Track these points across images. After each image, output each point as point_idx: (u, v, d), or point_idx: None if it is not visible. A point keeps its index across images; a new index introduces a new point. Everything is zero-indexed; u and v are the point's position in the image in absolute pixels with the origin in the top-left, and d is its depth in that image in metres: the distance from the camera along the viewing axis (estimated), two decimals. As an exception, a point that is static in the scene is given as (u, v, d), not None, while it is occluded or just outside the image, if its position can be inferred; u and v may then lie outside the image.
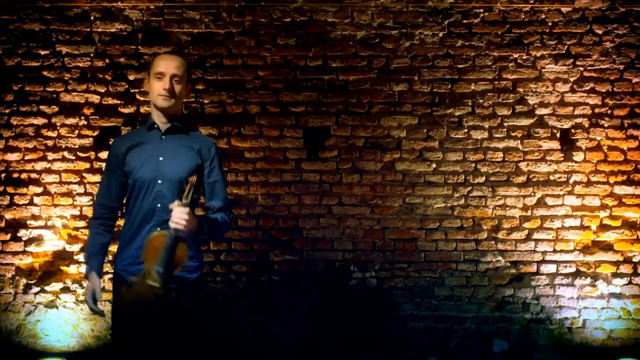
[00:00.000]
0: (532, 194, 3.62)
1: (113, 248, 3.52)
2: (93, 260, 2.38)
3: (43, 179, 3.57)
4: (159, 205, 2.29)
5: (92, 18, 3.57)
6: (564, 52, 3.62)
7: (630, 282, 3.62)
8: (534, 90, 3.62)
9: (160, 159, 2.34)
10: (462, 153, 3.63)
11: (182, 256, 2.21)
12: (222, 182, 2.46)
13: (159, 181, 2.32)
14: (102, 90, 3.58)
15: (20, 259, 3.57)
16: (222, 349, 3.52)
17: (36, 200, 3.56)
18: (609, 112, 3.62)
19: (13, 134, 3.56)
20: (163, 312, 2.30)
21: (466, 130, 3.63)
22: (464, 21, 3.61)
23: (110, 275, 3.55)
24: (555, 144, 3.62)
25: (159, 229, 2.26)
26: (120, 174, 2.38)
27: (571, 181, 3.62)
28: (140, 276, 2.23)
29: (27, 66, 3.56)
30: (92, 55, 3.58)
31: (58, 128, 3.57)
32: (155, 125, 2.39)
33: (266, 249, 3.62)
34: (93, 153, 3.57)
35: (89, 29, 3.57)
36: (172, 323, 2.30)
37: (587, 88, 3.62)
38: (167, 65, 2.33)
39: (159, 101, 2.33)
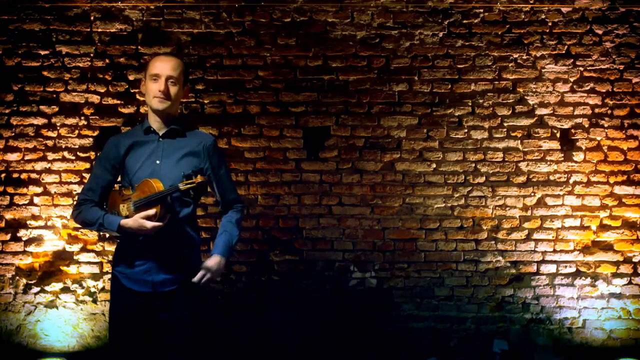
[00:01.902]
0: (532, 194, 3.62)
1: (113, 248, 3.54)
2: (108, 217, 2.31)
3: (43, 179, 3.57)
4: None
5: (92, 18, 3.57)
6: (564, 52, 3.62)
7: (630, 282, 3.61)
8: (534, 90, 3.62)
9: (157, 162, 2.33)
10: (462, 153, 3.63)
11: (157, 212, 2.23)
12: (227, 175, 2.48)
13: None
14: (102, 90, 3.58)
15: (20, 259, 3.57)
16: (221, 348, 3.52)
17: (36, 200, 3.56)
18: (609, 112, 3.62)
19: (13, 134, 3.56)
20: (159, 313, 2.31)
21: (466, 130, 3.63)
22: (464, 21, 3.61)
23: (110, 276, 3.56)
24: (555, 144, 3.62)
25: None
26: (111, 175, 2.37)
27: (571, 181, 3.62)
28: (121, 197, 2.31)
29: (27, 66, 3.56)
30: (92, 55, 3.58)
31: (58, 128, 3.57)
32: (152, 129, 2.37)
33: (266, 249, 3.62)
34: (93, 153, 3.57)
35: (89, 29, 3.57)
36: (170, 324, 2.31)
37: (587, 88, 3.62)
38: (163, 66, 2.31)
39: (154, 103, 2.31)
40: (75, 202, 2.41)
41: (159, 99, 2.30)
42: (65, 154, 3.57)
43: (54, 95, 3.57)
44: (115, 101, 3.58)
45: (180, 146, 2.37)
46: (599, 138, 3.62)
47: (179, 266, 2.32)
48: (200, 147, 2.40)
